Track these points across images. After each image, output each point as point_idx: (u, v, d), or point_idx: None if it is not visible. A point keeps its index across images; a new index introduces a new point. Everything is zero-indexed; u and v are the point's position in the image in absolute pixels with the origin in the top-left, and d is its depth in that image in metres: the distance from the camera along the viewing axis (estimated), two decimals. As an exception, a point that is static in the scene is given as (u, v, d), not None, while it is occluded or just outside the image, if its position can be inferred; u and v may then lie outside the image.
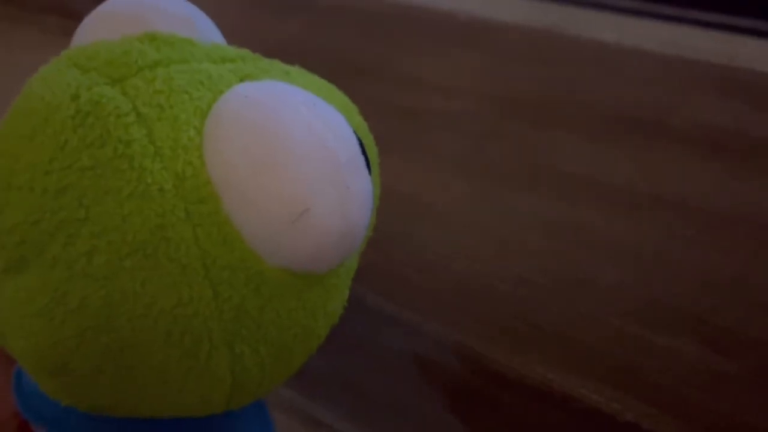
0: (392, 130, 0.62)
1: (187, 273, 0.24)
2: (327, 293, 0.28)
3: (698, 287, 0.48)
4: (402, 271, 0.56)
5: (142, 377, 0.26)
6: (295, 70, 0.30)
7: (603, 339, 0.46)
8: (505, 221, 0.56)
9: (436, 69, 0.66)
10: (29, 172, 0.24)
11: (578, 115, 0.60)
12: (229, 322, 0.25)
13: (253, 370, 0.27)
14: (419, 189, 0.59)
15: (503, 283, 0.52)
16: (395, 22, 0.74)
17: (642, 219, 0.53)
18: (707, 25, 0.65)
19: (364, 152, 0.26)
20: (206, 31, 0.31)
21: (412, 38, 0.70)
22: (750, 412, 0.41)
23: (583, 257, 0.52)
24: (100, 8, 0.30)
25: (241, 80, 0.27)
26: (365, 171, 0.26)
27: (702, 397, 0.42)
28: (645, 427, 0.41)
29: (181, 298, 0.24)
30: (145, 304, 0.24)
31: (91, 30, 0.30)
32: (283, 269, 0.26)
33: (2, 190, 0.25)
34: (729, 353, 0.44)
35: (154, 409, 0.27)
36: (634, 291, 0.49)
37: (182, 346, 0.25)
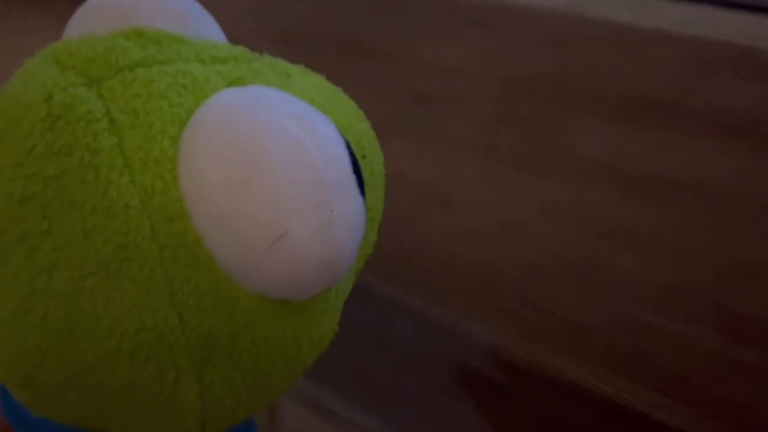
0: (403, 113, 0.61)
1: (150, 296, 0.23)
2: (311, 320, 0.26)
3: (717, 274, 0.46)
4: (411, 257, 0.55)
5: (109, 398, 0.24)
6: (298, 71, 0.28)
7: (616, 327, 0.45)
8: (518, 206, 0.54)
9: (447, 51, 0.65)
10: None
11: (593, 98, 0.59)
12: (198, 349, 0.24)
13: (226, 398, 0.25)
14: (430, 173, 0.58)
15: (515, 270, 0.51)
16: (407, 4, 0.73)
17: (659, 204, 0.51)
18: (729, 4, 0.62)
19: (357, 171, 0.24)
20: (202, 26, 0.29)
21: (423, 20, 0.68)
22: (769, 404, 0.40)
23: (597, 243, 0.50)
24: (91, 0, 0.29)
25: (230, 84, 0.25)
26: (355, 193, 0.24)
27: (719, 388, 0.41)
28: (656, 417, 0.40)
29: (144, 323, 0.23)
30: (106, 327, 0.23)
31: (80, 22, 0.28)
32: (260, 295, 0.24)
33: None
34: (748, 342, 0.42)
35: (126, 429, 0.26)
36: (650, 277, 0.47)
37: (147, 371, 0.23)
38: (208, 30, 0.29)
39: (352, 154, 0.24)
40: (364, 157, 0.27)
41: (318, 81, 0.29)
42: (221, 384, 0.25)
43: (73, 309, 0.22)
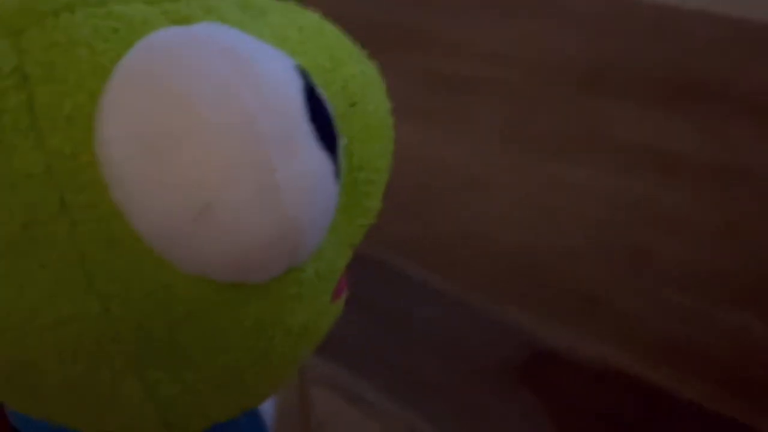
0: (438, 99, 0.60)
1: (64, 283, 0.19)
2: (281, 306, 0.21)
3: (764, 261, 0.45)
4: (447, 243, 0.54)
5: (55, 397, 0.21)
6: (279, 8, 0.24)
7: (661, 314, 0.44)
8: (556, 192, 0.53)
9: (483, 36, 0.64)
10: None
11: (635, 82, 0.58)
12: (131, 345, 0.20)
13: (183, 398, 0.22)
14: (465, 159, 0.57)
15: (553, 256, 0.50)
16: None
17: (704, 189, 0.50)
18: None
19: (324, 120, 0.20)
20: None
21: (458, 6, 0.67)
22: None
23: (638, 229, 0.49)
24: None
25: (173, 24, 0.21)
26: (312, 148, 0.19)
27: (768, 377, 0.40)
28: (706, 406, 0.39)
29: (60, 314, 0.19)
30: (23, 318, 0.20)
31: None
32: (201, 279, 0.19)
33: None
34: (798, 331, 0.41)
35: (90, 429, 0.23)
36: (696, 264, 0.46)
37: (77, 369, 0.20)
38: None
39: (315, 100, 0.20)
40: (353, 104, 0.23)
41: (303, 18, 0.24)
42: (171, 383, 0.21)
43: None
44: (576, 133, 0.58)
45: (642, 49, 0.59)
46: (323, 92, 0.20)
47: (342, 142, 0.21)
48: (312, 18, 0.24)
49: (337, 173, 0.20)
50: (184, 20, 0.21)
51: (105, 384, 0.21)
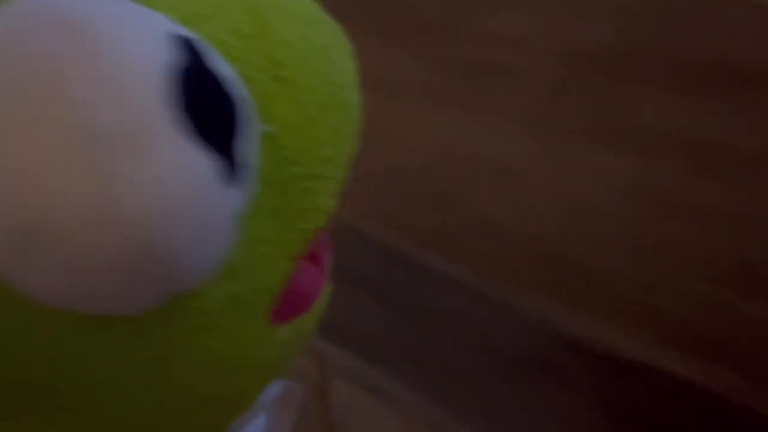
0: (461, 86, 0.59)
1: None
2: (180, 340, 0.18)
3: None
4: (470, 233, 0.53)
5: None
6: None
7: (689, 306, 0.42)
8: (581, 182, 0.52)
9: (508, 21, 0.63)
10: None
11: (664, 68, 0.56)
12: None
13: None
14: (488, 148, 0.56)
15: (579, 246, 0.48)
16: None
17: (736, 180, 0.48)
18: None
19: (209, 106, 0.15)
20: None
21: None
22: None
23: (667, 220, 0.48)
24: None
25: None
26: (176, 144, 0.15)
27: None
28: (735, 401, 0.38)
29: None
30: None
31: None
32: (65, 312, 0.16)
33: None
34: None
35: None
36: (726, 256, 0.44)
37: None
38: None
39: (200, 80, 0.15)
40: (278, 79, 0.18)
41: None
42: (46, 428, 0.18)
43: None
44: (604, 122, 0.56)
45: (675, 35, 0.57)
46: (226, 68, 0.16)
47: (254, 130, 0.17)
48: None
49: (233, 174, 0.16)
50: None
51: None
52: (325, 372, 0.54)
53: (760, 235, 0.45)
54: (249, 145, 0.16)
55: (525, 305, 0.49)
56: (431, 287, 0.54)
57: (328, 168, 0.20)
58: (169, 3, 0.17)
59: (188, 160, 0.15)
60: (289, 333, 0.20)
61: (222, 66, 0.16)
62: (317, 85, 0.19)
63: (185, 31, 0.16)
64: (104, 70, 0.14)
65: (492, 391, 0.51)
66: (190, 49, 0.15)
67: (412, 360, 0.55)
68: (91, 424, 0.18)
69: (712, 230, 0.46)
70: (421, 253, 0.55)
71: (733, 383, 0.38)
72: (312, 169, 0.19)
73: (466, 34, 0.63)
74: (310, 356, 0.53)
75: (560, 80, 0.58)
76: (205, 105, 0.15)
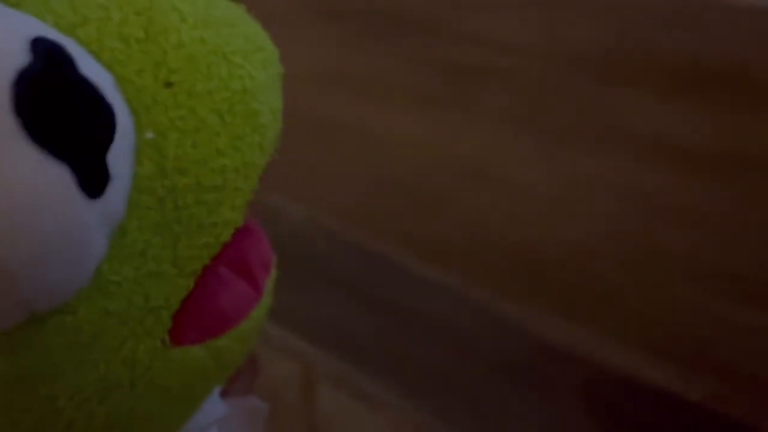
0: (449, 88, 0.59)
1: None
2: (47, 361, 0.17)
3: (781, 257, 0.43)
4: (454, 237, 0.53)
5: None
6: None
7: (669, 311, 0.42)
8: (566, 184, 0.52)
9: (494, 24, 0.62)
10: None
11: (652, 72, 0.56)
12: None
13: None
14: (475, 150, 0.56)
15: (563, 250, 0.48)
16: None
17: (720, 182, 0.48)
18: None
19: (70, 113, 0.15)
20: None
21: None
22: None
23: (649, 222, 0.48)
24: None
25: None
26: (15, 151, 0.14)
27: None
28: (713, 407, 0.37)
29: None
30: None
31: None
32: None
33: None
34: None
35: None
36: (710, 260, 0.44)
37: None
38: None
39: (65, 85, 0.15)
40: (168, 85, 0.18)
41: None
42: None
43: None
44: (590, 124, 0.56)
45: (659, 38, 0.57)
46: (99, 74, 0.16)
47: (128, 139, 0.16)
48: None
49: (96, 184, 0.15)
50: None
51: None
52: (310, 376, 0.54)
53: (745, 239, 0.45)
54: (120, 154, 0.16)
55: (508, 309, 0.48)
56: (416, 292, 0.54)
57: (228, 179, 0.18)
58: (51, 6, 0.16)
59: (32, 169, 0.14)
60: (201, 353, 0.19)
61: (95, 72, 0.16)
62: (215, 91, 0.18)
63: (55, 35, 0.15)
64: None
65: (476, 394, 0.51)
66: (51, 54, 0.15)
67: (397, 364, 0.55)
68: None
69: (694, 234, 0.45)
70: (406, 258, 0.54)
71: (714, 389, 0.38)
72: (206, 179, 0.18)
73: (452, 36, 0.62)
74: (294, 360, 0.53)
75: (547, 84, 0.58)
76: (59, 112, 0.15)
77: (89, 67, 0.16)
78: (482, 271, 0.50)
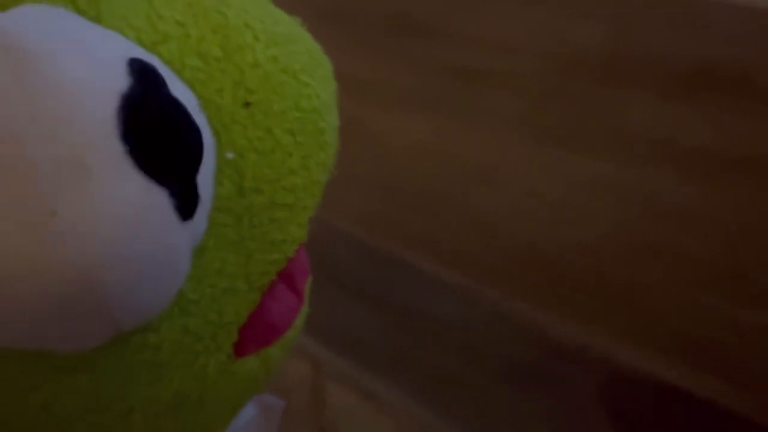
0: (453, 90, 0.60)
1: None
2: (128, 378, 0.17)
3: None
4: (460, 237, 0.53)
5: None
6: None
7: (675, 311, 0.43)
8: (572, 186, 0.52)
9: (494, 26, 0.63)
10: None
11: (654, 74, 0.56)
12: None
13: None
14: (479, 152, 0.56)
15: (568, 251, 0.49)
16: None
17: (722, 185, 0.49)
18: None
19: (165, 136, 0.14)
20: None
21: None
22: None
23: (652, 224, 0.48)
24: None
25: None
26: (122, 175, 0.14)
27: (787, 376, 0.39)
28: (721, 405, 0.38)
29: None
30: None
31: None
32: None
33: None
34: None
35: None
36: (716, 261, 0.45)
37: None
38: None
39: (156, 108, 0.15)
40: (247, 105, 0.18)
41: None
42: None
43: None
44: (592, 126, 0.57)
45: (662, 40, 0.57)
46: (186, 95, 0.16)
47: (213, 159, 0.16)
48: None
49: (188, 207, 0.15)
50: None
51: None
52: (319, 376, 0.55)
53: (747, 239, 0.46)
54: (207, 175, 0.16)
55: (515, 309, 0.49)
56: (422, 291, 0.55)
57: (298, 197, 0.19)
58: (131, 22, 0.16)
59: (137, 195, 0.14)
60: (255, 364, 0.20)
61: (182, 92, 0.16)
62: (288, 111, 0.18)
63: (145, 55, 0.15)
64: (45, 101, 0.14)
65: (484, 394, 0.51)
66: (147, 75, 0.15)
67: (404, 364, 0.56)
68: None
69: (698, 235, 0.46)
70: (412, 257, 0.55)
71: (721, 389, 0.39)
72: (279, 198, 0.18)
73: (456, 39, 0.63)
74: (303, 360, 0.53)
75: (547, 85, 0.58)
76: (159, 136, 0.15)
77: (176, 87, 0.16)
78: (491, 272, 0.51)
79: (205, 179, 0.16)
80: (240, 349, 0.19)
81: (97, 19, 0.16)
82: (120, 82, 0.14)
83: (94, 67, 0.14)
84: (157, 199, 0.14)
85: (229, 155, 0.17)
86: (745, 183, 0.48)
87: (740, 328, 0.41)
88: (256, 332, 0.19)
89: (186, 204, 0.15)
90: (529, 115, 0.57)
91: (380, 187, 0.58)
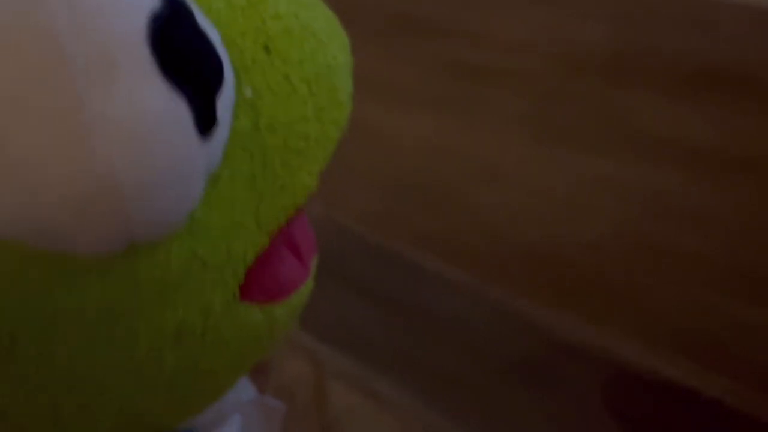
0: (457, 89, 0.60)
1: None
2: (138, 294, 0.17)
3: (789, 256, 0.44)
4: (465, 235, 0.53)
5: None
6: None
7: (682, 309, 0.43)
8: (575, 184, 0.52)
9: (503, 25, 0.63)
10: None
11: (657, 73, 0.56)
12: None
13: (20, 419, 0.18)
14: (484, 150, 0.56)
15: (571, 249, 0.49)
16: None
17: (728, 183, 0.49)
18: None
19: (187, 53, 0.15)
20: None
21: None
22: None
23: (658, 222, 0.48)
24: None
25: None
26: (149, 81, 0.15)
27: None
28: (728, 404, 0.38)
29: None
30: None
31: None
32: (10, 244, 0.16)
33: None
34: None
35: None
36: (719, 260, 0.45)
37: None
38: None
39: (184, 29, 0.15)
40: (267, 51, 0.18)
41: None
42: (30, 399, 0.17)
43: None
44: (597, 125, 0.57)
45: (667, 39, 0.58)
46: (211, 30, 0.16)
47: (234, 91, 0.17)
48: None
49: (208, 127, 0.16)
50: None
51: None
52: (321, 374, 0.55)
53: (754, 238, 0.46)
54: (227, 104, 0.16)
55: (520, 307, 0.49)
56: (427, 290, 0.55)
57: (309, 146, 0.19)
58: None
59: (160, 100, 0.15)
60: (259, 317, 0.20)
61: (207, 26, 0.16)
62: (305, 62, 0.19)
63: None
64: (85, 3, 0.14)
65: (488, 393, 0.51)
66: (177, 4, 0.15)
67: (408, 362, 0.56)
68: (48, 384, 0.17)
69: (703, 234, 0.46)
70: (415, 255, 0.55)
71: (727, 387, 0.39)
72: (292, 142, 0.19)
73: (462, 37, 0.63)
74: (306, 358, 0.53)
75: (554, 83, 0.58)
76: (186, 54, 0.15)
77: (203, 21, 0.16)
78: (495, 270, 0.51)
79: (224, 108, 0.16)
80: (245, 292, 0.19)
81: None
82: (150, 2, 0.15)
83: None
84: (179, 108, 0.15)
85: (248, 92, 0.18)
86: (749, 182, 0.48)
87: (745, 326, 0.41)
88: (262, 282, 0.19)
89: (205, 121, 0.15)
90: (532, 113, 0.57)
91: (383, 185, 0.58)
